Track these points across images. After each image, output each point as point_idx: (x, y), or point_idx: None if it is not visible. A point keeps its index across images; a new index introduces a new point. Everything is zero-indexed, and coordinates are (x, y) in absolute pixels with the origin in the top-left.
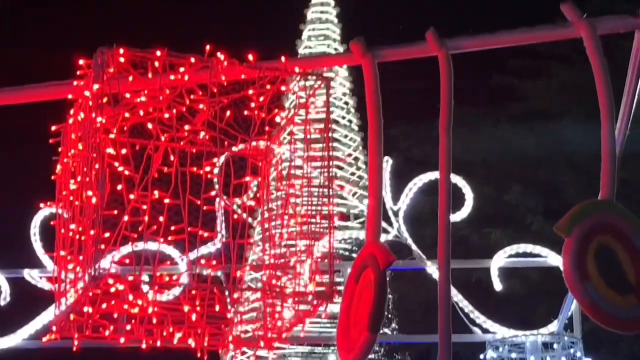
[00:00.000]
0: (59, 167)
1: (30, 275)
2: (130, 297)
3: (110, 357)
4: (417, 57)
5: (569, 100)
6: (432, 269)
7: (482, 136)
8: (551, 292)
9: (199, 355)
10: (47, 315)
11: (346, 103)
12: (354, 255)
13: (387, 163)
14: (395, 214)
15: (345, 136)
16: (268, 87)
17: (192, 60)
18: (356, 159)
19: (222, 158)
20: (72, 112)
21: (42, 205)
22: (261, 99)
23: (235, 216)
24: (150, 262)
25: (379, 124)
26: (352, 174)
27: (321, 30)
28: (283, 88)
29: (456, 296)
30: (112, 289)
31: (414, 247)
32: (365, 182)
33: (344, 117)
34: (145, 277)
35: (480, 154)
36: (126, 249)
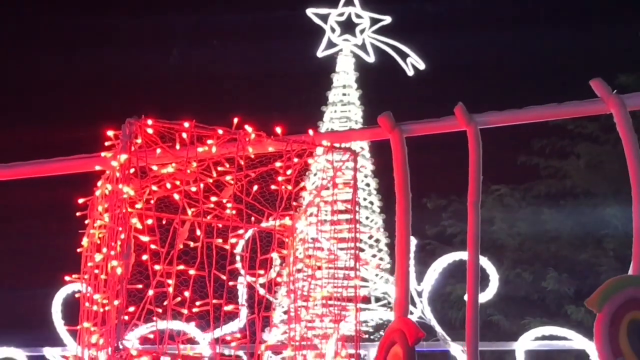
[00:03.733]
0: (85, 240)
1: (52, 353)
2: None
3: None
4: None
5: (602, 180)
6: (457, 351)
7: (514, 216)
8: None
9: None
10: None
11: (367, 185)
12: (375, 338)
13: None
14: (419, 294)
15: (367, 218)
16: (295, 160)
17: (220, 131)
18: (377, 240)
19: (249, 233)
20: (99, 184)
21: (67, 278)
22: (289, 172)
23: (262, 292)
24: (175, 338)
25: (407, 199)
26: (374, 255)
27: (343, 113)
28: (310, 161)
29: None
30: None
31: (438, 328)
32: (387, 264)
33: (365, 199)
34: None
35: (514, 236)
36: (150, 327)
